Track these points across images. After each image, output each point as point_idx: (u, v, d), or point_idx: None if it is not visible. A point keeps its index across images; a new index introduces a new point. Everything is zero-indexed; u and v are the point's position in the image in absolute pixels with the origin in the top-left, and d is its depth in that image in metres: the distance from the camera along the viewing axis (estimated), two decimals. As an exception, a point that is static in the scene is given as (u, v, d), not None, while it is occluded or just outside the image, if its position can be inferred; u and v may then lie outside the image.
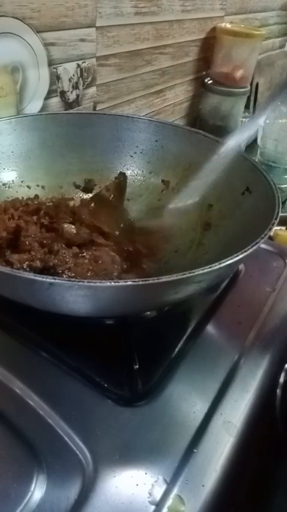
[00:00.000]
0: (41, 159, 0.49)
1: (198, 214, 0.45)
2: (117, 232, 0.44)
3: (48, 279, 0.24)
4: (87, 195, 0.51)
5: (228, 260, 0.27)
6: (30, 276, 0.25)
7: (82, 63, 0.60)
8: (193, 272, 0.26)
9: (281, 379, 0.35)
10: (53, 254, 0.37)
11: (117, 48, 0.65)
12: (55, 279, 0.24)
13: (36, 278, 0.25)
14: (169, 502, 0.25)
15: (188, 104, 0.95)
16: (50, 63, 0.55)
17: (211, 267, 0.26)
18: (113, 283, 0.25)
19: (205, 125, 0.92)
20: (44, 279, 0.24)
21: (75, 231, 0.41)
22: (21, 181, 0.48)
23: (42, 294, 0.26)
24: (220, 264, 0.26)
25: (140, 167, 0.52)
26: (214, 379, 0.33)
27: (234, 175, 0.42)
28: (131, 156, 0.52)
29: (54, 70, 0.56)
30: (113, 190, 0.50)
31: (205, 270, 0.26)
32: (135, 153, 0.52)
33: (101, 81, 0.65)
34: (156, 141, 0.51)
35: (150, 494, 0.25)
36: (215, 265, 0.26)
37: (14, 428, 0.28)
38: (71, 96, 0.60)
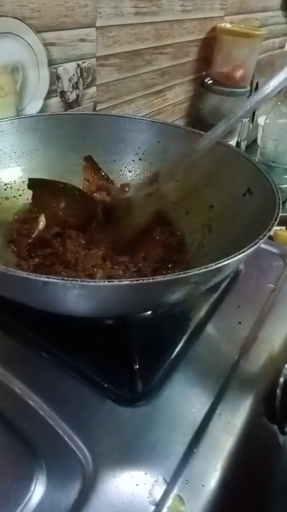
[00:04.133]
0: (43, 159, 0.49)
1: (199, 215, 0.45)
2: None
3: (42, 278, 0.24)
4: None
5: (225, 260, 0.27)
6: (24, 274, 0.24)
7: (82, 63, 0.60)
8: (189, 272, 0.25)
9: (281, 379, 0.35)
10: None
11: (117, 48, 0.65)
12: (49, 277, 0.24)
13: (29, 277, 0.24)
14: (169, 502, 0.25)
15: (188, 104, 0.95)
16: (50, 63, 0.55)
17: (207, 267, 0.26)
18: (106, 282, 0.24)
19: (205, 125, 0.92)
20: (37, 278, 0.24)
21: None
22: (23, 182, 0.48)
23: (38, 293, 0.26)
24: (216, 264, 0.26)
25: (142, 168, 0.52)
26: (214, 379, 0.33)
27: (236, 177, 0.42)
28: (133, 157, 0.52)
29: (54, 70, 0.56)
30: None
31: (201, 270, 0.26)
32: (137, 154, 0.52)
33: (101, 81, 0.65)
34: (158, 142, 0.51)
35: (150, 494, 0.25)
36: (212, 265, 0.26)
37: (14, 428, 0.28)
38: (71, 96, 0.60)
